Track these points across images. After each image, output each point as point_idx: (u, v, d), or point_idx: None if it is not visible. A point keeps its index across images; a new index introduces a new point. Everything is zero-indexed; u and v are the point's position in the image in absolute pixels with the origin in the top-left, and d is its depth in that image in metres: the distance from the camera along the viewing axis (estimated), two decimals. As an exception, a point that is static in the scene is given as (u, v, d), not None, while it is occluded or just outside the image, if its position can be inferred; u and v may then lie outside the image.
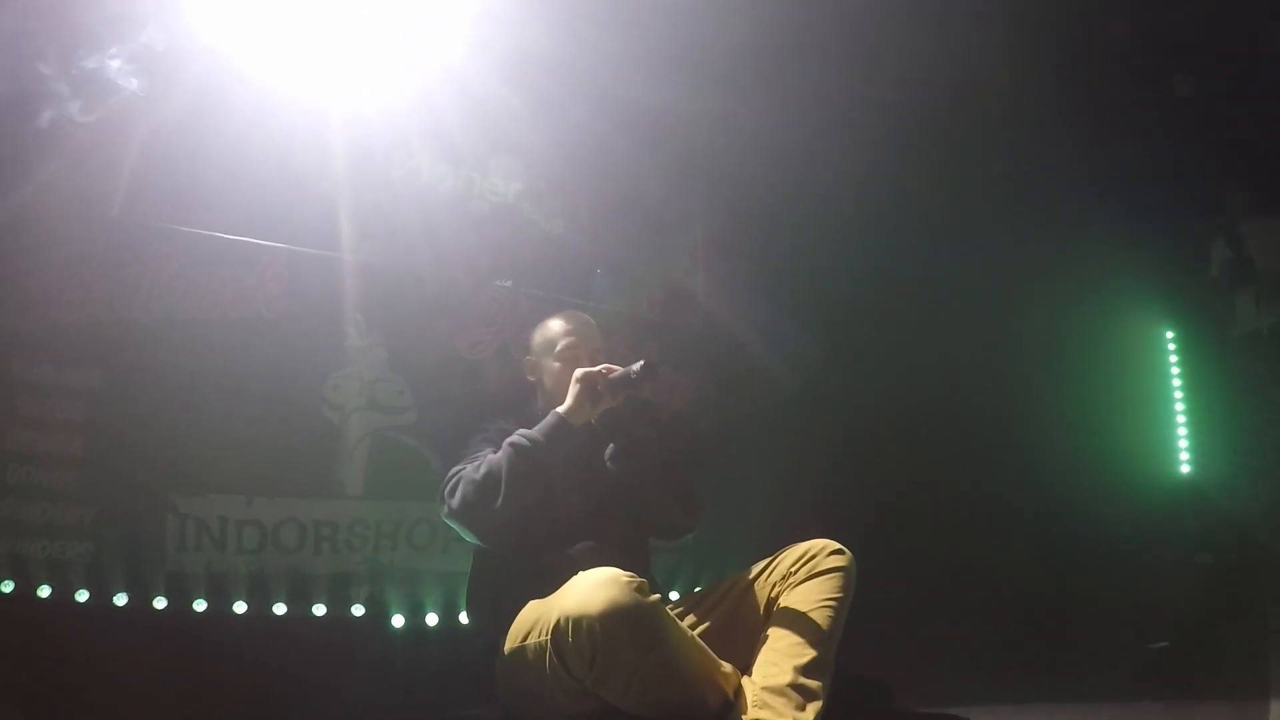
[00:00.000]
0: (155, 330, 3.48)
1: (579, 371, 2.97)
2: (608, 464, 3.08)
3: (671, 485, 3.13)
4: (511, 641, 2.63)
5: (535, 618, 2.53)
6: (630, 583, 2.30)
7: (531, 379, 3.32)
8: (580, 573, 2.43)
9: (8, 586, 3.22)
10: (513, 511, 2.80)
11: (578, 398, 2.92)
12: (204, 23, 3.73)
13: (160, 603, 3.39)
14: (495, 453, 2.87)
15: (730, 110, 5.05)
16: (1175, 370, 6.57)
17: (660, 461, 3.12)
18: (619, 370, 2.97)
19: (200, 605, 3.43)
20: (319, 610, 3.58)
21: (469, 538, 2.91)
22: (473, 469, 2.84)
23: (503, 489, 2.77)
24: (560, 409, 2.93)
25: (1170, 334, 6.71)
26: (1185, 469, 6.35)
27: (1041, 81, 5.85)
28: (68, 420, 3.35)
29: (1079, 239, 6.00)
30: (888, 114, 5.32)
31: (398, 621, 3.69)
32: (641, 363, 2.94)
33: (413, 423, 3.79)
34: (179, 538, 3.44)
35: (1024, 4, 5.39)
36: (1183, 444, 6.41)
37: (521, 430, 2.89)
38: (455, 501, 2.82)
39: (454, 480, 2.87)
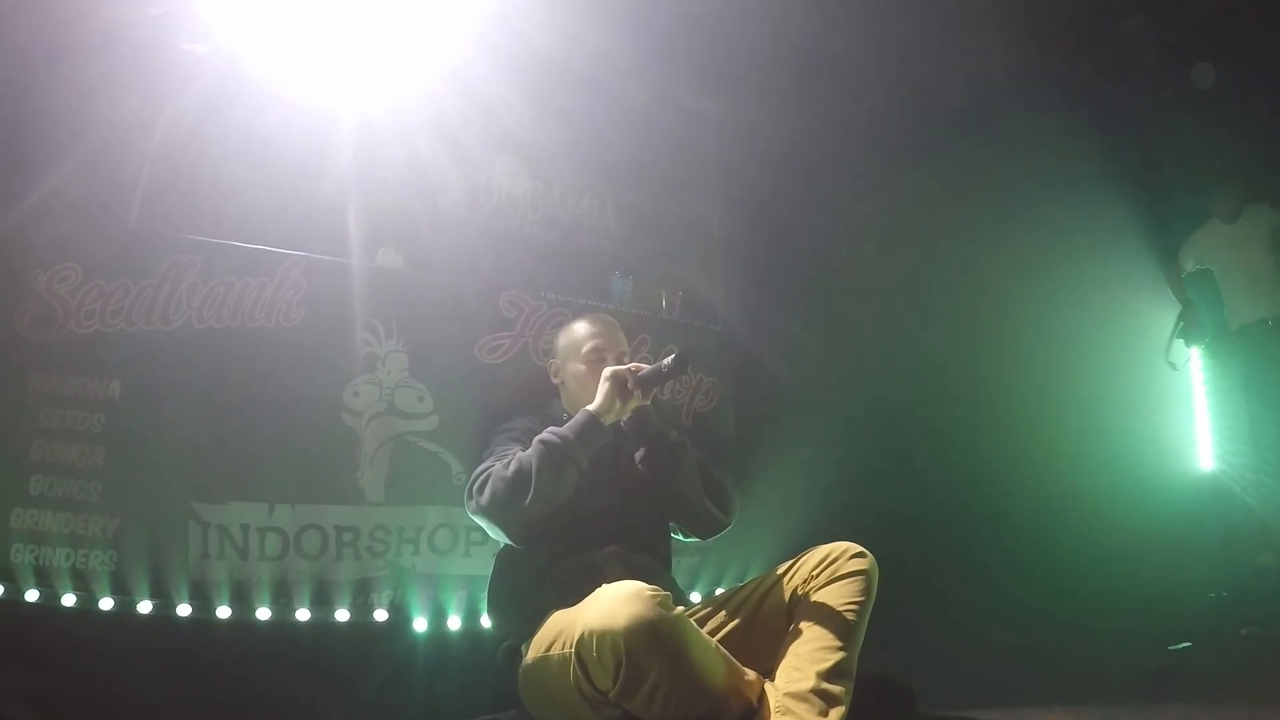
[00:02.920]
0: (174, 340, 3.48)
1: (608, 370, 3.01)
2: (639, 466, 3.09)
3: (706, 483, 3.16)
4: (535, 651, 2.65)
5: (559, 629, 2.54)
6: (654, 597, 2.30)
7: (556, 381, 3.36)
8: (605, 585, 2.43)
9: (33, 595, 3.23)
10: (542, 509, 2.83)
11: (608, 395, 2.96)
12: (217, 32, 3.74)
13: (184, 610, 3.40)
14: (524, 450, 2.89)
15: (743, 112, 5.04)
16: (1197, 364, 6.54)
17: (694, 460, 3.15)
18: (648, 368, 2.99)
19: (224, 612, 3.44)
20: (342, 615, 3.59)
21: (495, 534, 2.95)
22: (502, 466, 2.87)
23: (533, 486, 2.80)
24: (590, 407, 2.97)
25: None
26: (1207, 465, 6.32)
27: (1061, 72, 5.85)
28: (89, 431, 3.35)
29: (1097, 232, 6.00)
30: (901, 111, 5.32)
31: (420, 626, 3.69)
32: (672, 356, 2.95)
33: (433, 428, 3.79)
34: (202, 546, 3.44)
35: (1036, 3, 5.40)
36: (1204, 440, 6.38)
37: (551, 428, 2.92)
38: (484, 498, 2.85)
39: (483, 477, 2.90)
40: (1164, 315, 6.45)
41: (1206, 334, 6.35)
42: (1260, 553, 5.57)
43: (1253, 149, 6.14)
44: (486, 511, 2.86)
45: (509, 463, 2.86)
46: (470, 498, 2.92)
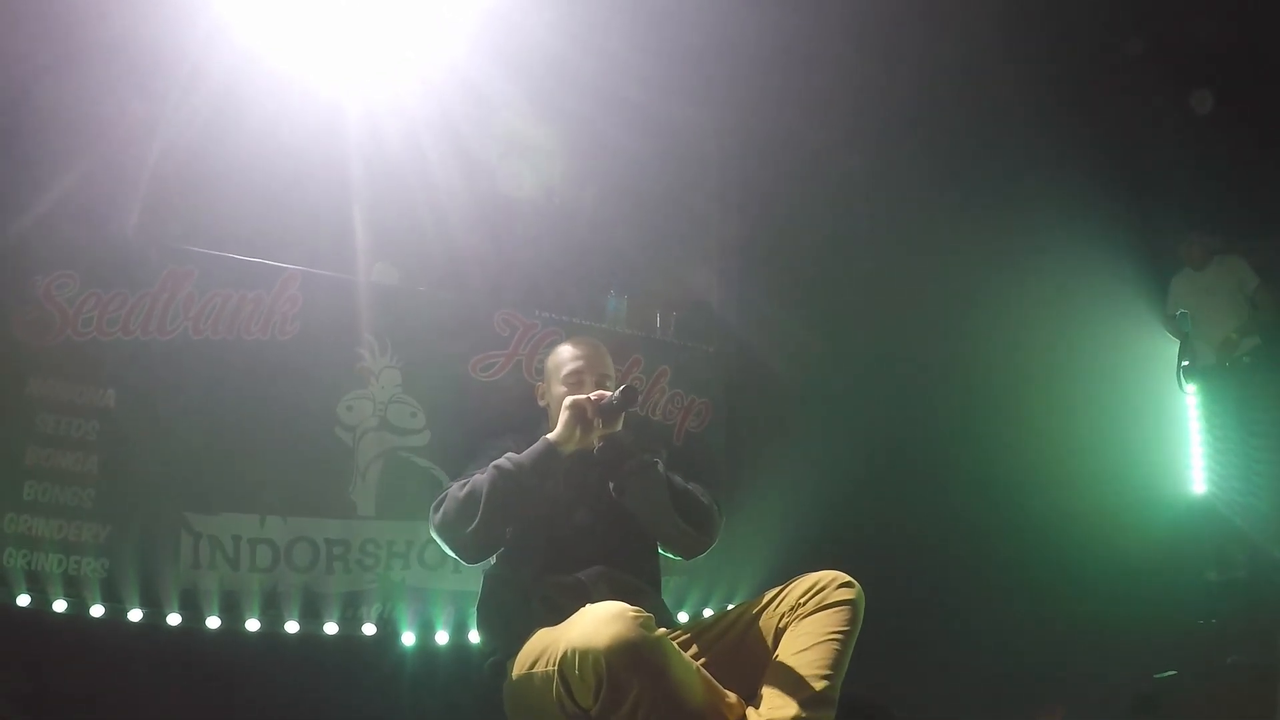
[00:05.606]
0: (170, 350, 3.51)
1: (568, 399, 3.01)
2: (613, 494, 3.10)
3: (681, 503, 3.14)
4: (520, 668, 2.66)
5: (543, 647, 2.55)
6: (636, 618, 2.31)
7: (542, 404, 3.36)
8: (588, 605, 2.44)
9: (24, 600, 3.26)
10: (490, 532, 2.87)
11: (567, 424, 2.97)
12: (215, 44, 3.77)
13: (174, 619, 3.42)
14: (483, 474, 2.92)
15: (743, 123, 5.05)
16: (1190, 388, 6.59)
17: (663, 481, 3.13)
18: (609, 395, 3.00)
19: (214, 622, 3.46)
20: (330, 629, 3.61)
21: (449, 553, 2.95)
22: (457, 488, 2.91)
23: (480, 511, 2.83)
24: (550, 435, 2.97)
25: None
26: (1199, 489, 6.36)
27: (1062, 90, 5.87)
28: (83, 438, 3.38)
29: (1096, 255, 6.02)
30: (904, 124, 5.33)
31: (408, 640, 3.71)
32: (622, 388, 2.98)
33: (425, 444, 3.81)
34: (193, 555, 3.46)
35: (1039, 15, 5.42)
36: (1197, 463, 6.42)
37: (509, 454, 2.93)
38: (437, 518, 2.91)
39: (441, 497, 2.94)
40: (1157, 341, 6.55)
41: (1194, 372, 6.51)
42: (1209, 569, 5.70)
43: (1224, 198, 6.29)
44: (439, 531, 2.92)
45: (464, 485, 2.89)
46: (430, 518, 2.95)
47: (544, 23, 4.32)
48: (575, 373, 3.20)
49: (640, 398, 3.05)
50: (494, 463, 2.89)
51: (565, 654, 2.33)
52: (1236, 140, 6.00)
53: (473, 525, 2.82)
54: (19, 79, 3.48)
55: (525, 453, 2.93)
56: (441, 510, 2.89)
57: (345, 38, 4.02)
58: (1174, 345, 6.54)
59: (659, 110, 4.77)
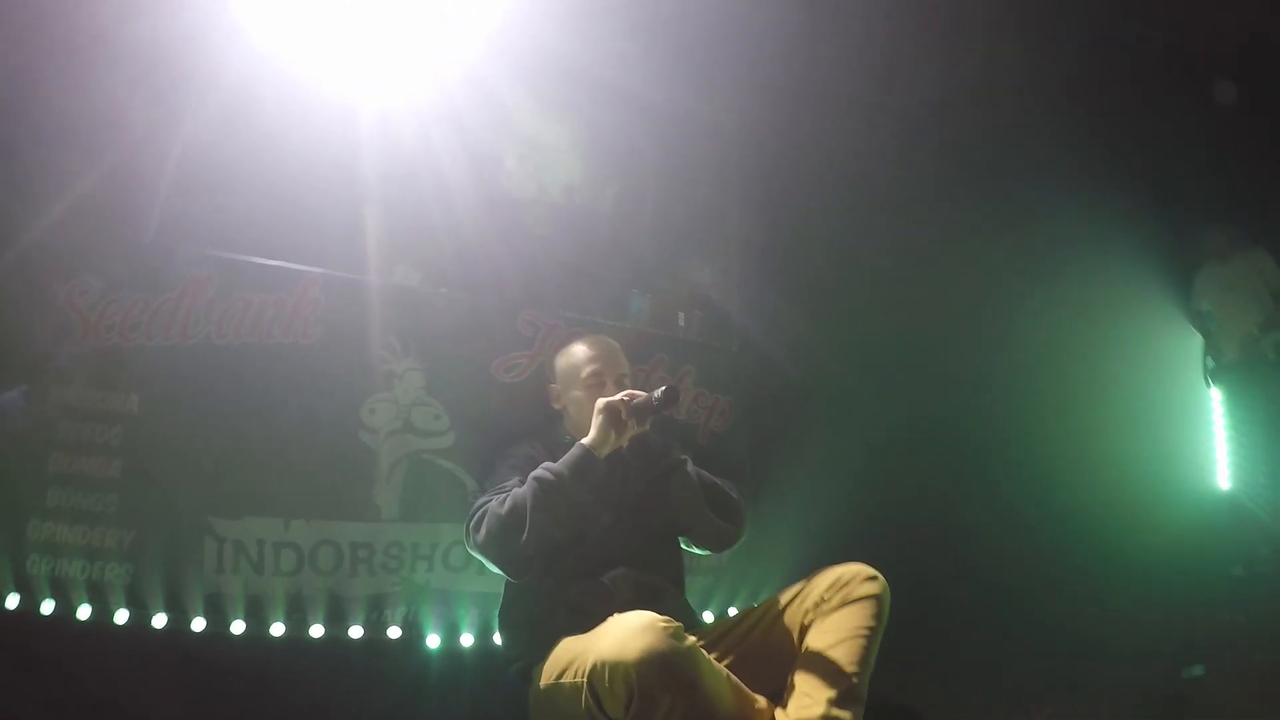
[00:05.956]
0: (192, 354, 3.48)
1: (601, 402, 2.98)
2: (647, 492, 3.09)
3: (711, 497, 3.14)
4: (547, 677, 2.65)
5: (571, 657, 2.55)
6: (667, 629, 2.30)
7: (556, 407, 3.33)
8: (617, 613, 2.43)
9: (48, 606, 3.25)
10: (538, 546, 2.82)
11: (601, 428, 2.94)
12: (234, 49, 3.75)
13: (199, 624, 3.41)
14: (520, 485, 2.88)
15: (764, 119, 5.01)
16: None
17: (694, 478, 3.12)
18: (641, 396, 2.97)
19: (238, 627, 3.45)
20: (355, 632, 3.59)
21: (495, 570, 2.92)
22: (497, 503, 2.87)
23: (527, 525, 2.80)
24: (585, 440, 2.95)
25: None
26: (1225, 484, 6.33)
27: (1084, 82, 5.84)
28: (106, 444, 3.37)
29: (1119, 246, 5.99)
30: (925, 122, 5.30)
31: (433, 643, 3.70)
32: (663, 389, 2.94)
33: (449, 446, 3.77)
34: (217, 560, 3.45)
35: (1059, 9, 5.39)
36: (1222, 459, 6.39)
37: (546, 464, 2.90)
38: (480, 536, 2.86)
39: (479, 514, 2.91)
40: (1182, 335, 6.53)
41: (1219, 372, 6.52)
42: (1235, 565, 5.70)
43: (1249, 189, 6.26)
44: (483, 550, 2.87)
45: (504, 499, 2.86)
46: (468, 535, 2.92)
47: (562, 25, 4.29)
48: (595, 374, 3.18)
49: (680, 398, 3.01)
50: (533, 474, 2.87)
51: (595, 665, 2.32)
52: (1263, 130, 5.96)
53: (522, 539, 2.79)
54: (37, 84, 3.47)
55: (562, 461, 2.91)
56: (485, 528, 2.84)
57: (365, 42, 3.99)
58: (1199, 339, 6.53)
59: (679, 111, 4.75)
